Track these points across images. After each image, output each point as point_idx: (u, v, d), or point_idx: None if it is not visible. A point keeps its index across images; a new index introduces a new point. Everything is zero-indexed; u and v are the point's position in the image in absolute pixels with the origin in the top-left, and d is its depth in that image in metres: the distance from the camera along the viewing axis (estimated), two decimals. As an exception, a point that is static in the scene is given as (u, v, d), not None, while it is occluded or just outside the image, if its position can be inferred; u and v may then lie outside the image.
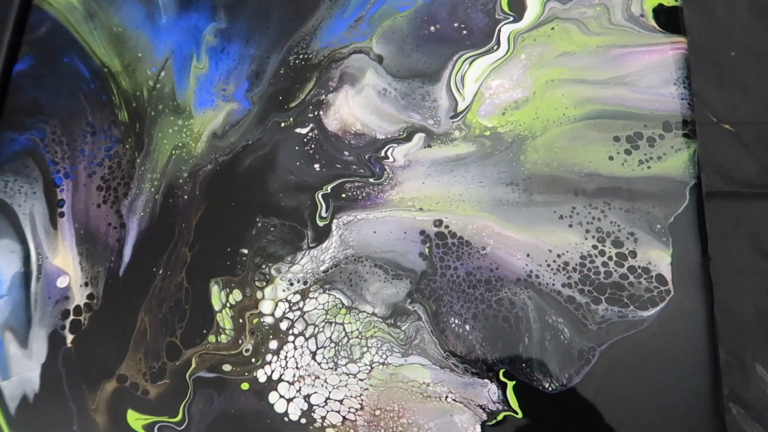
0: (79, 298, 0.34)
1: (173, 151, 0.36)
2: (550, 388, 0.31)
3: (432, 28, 0.37)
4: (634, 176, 0.34)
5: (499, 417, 0.30)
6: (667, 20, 0.36)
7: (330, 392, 0.31)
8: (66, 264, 0.34)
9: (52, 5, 0.39)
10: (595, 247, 0.33)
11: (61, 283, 0.34)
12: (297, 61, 0.37)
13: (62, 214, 0.35)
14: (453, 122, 0.35)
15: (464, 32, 0.37)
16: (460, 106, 0.36)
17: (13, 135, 0.37)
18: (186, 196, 0.35)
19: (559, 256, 0.33)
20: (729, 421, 0.29)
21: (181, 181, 0.35)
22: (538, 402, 0.30)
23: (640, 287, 0.32)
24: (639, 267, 0.32)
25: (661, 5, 0.37)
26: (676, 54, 0.36)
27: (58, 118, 0.37)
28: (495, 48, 0.37)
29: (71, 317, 0.33)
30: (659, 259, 0.32)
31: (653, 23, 0.36)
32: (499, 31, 0.37)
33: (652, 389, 0.30)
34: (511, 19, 0.37)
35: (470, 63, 0.36)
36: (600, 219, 0.33)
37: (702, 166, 0.33)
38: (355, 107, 0.36)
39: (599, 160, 0.34)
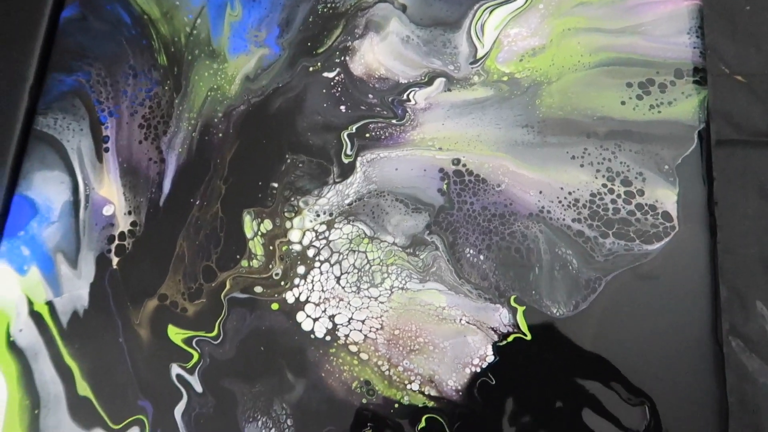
0: (123, 225, 0.36)
1: (209, 93, 0.38)
2: (557, 314, 0.32)
3: (454, -22, 0.39)
4: (645, 120, 0.35)
5: (510, 339, 0.32)
6: (682, -28, 0.37)
7: (353, 313, 0.33)
8: (111, 194, 0.37)
9: (96, -44, 0.41)
10: (604, 185, 0.34)
11: (107, 211, 0.36)
12: (325, 10, 0.39)
13: (107, 149, 0.37)
14: (472, 68, 0.37)
15: (485, -18, 0.38)
16: (480, 53, 0.37)
17: (60, 76, 0.39)
18: (220, 134, 0.37)
19: (570, 193, 0.34)
20: (728, 353, 0.31)
21: (216, 120, 0.37)
22: (546, 326, 0.32)
23: (646, 223, 0.33)
24: (646, 204, 0.33)
25: (677, -43, 0.37)
26: (690, 5, 0.36)
27: (103, 61, 0.39)
28: (514, -2, 0.38)
29: (116, 242, 0.36)
30: (665, 197, 0.33)
31: (669, -26, 0.37)
32: (519, -19, 0.38)
33: (654, 318, 0.32)
34: (531, -31, 0.38)
35: (490, 12, 0.38)
36: (610, 159, 0.34)
37: (713, 115, 0.34)
38: (380, 53, 0.38)
39: (611, 105, 0.35)
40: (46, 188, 0.37)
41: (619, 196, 0.34)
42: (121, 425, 0.33)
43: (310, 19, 0.39)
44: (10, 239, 0.36)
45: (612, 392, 0.31)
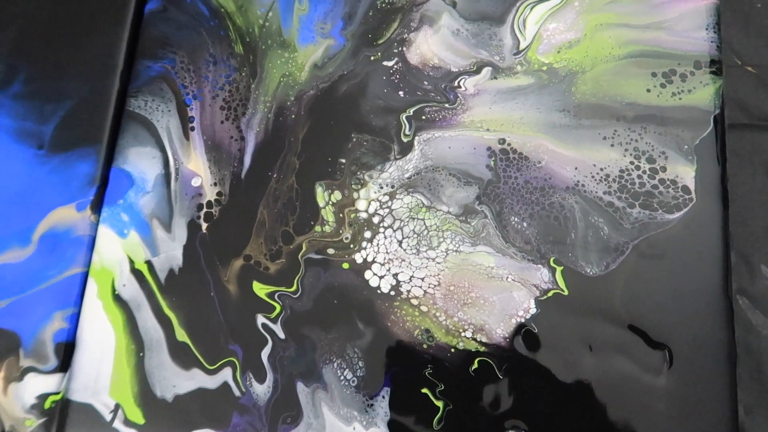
0: (210, 194, 0.41)
1: (281, 79, 0.42)
2: (591, 273, 0.37)
3: (499, -23, 0.43)
4: (667, 106, 0.39)
5: (549, 294, 0.37)
6: (703, -26, 0.41)
7: (413, 272, 0.38)
8: (198, 168, 0.41)
9: (175, -46, 0.45)
10: (631, 162, 0.39)
11: (195, 182, 0.41)
12: (383, 5, 0.43)
13: (192, 128, 0.42)
14: (515, 58, 0.41)
15: (526, -18, 0.42)
16: (522, 45, 0.41)
17: (148, 63, 0.43)
18: (293, 116, 0.42)
19: (601, 169, 0.39)
20: (736, 310, 0.36)
21: (288, 103, 0.42)
22: (581, 283, 0.37)
23: (667, 195, 0.38)
24: (668, 179, 0.38)
25: (697, -40, 0.42)
26: (708, 3, 0.41)
27: (185, 49, 0.43)
28: (552, -4, 0.42)
29: (204, 209, 0.40)
30: (685, 173, 0.38)
31: (690, -24, 0.41)
32: (557, -19, 0.42)
33: (673, 278, 0.37)
34: (567, -29, 0.42)
35: (531, 8, 0.42)
36: (637, 140, 0.39)
37: (726, 101, 0.39)
38: (433, 44, 0.42)
39: (638, 92, 0.40)
40: (140, 162, 0.41)
41: (644, 171, 0.38)
42: (215, 366, 0.38)
43: (370, 14, 0.43)
44: (110, 207, 0.41)
45: (637, 338, 0.36)
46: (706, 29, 0.40)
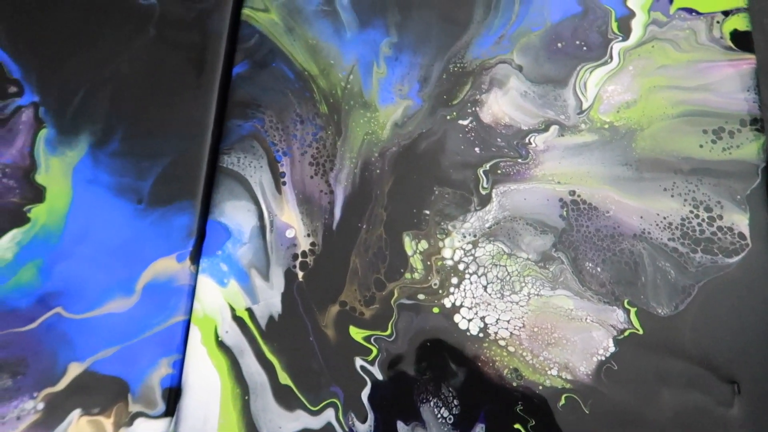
0: (304, 245, 0.43)
1: (365, 136, 0.45)
2: (662, 313, 0.40)
3: (559, 44, 0.47)
4: (719, 159, 0.43)
5: (626, 333, 0.40)
6: (741, 41, 0.46)
7: (499, 315, 0.41)
8: (291, 220, 0.44)
9: (258, 21, 0.49)
10: (691, 211, 0.42)
11: (289, 234, 0.43)
12: (455, 69, 0.47)
13: (284, 183, 0.44)
14: (579, 117, 0.45)
15: (584, 48, 0.46)
16: (584, 106, 0.45)
17: (239, 122, 0.46)
18: (378, 170, 0.45)
19: (664, 218, 0.42)
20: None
21: (373, 159, 0.45)
22: (654, 323, 0.40)
23: (725, 241, 0.41)
24: (725, 226, 0.42)
25: (735, 30, 0.46)
26: (748, 68, 0.45)
27: (273, 109, 0.46)
28: (608, 61, 0.46)
29: (300, 259, 0.43)
30: (739, 221, 0.42)
31: (730, 44, 0.46)
32: (611, 47, 0.46)
33: (737, 315, 0.40)
34: (620, 38, 0.46)
35: (590, 72, 0.46)
36: (694, 191, 0.43)
37: None
38: (503, 105, 0.46)
39: (692, 148, 0.44)
40: (236, 215, 0.44)
41: (703, 220, 0.42)
42: (318, 407, 0.40)
43: (444, 77, 0.46)
44: (209, 257, 0.43)
45: (708, 373, 0.39)
46: (748, 91, 0.44)
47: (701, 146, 0.44)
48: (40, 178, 0.45)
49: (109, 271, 0.43)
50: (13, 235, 0.44)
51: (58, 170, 0.45)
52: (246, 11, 0.49)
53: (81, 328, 0.42)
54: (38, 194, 0.45)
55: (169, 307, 0.42)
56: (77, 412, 0.40)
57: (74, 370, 0.41)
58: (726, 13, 0.47)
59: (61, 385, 0.41)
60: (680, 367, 0.39)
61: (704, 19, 0.46)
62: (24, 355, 0.41)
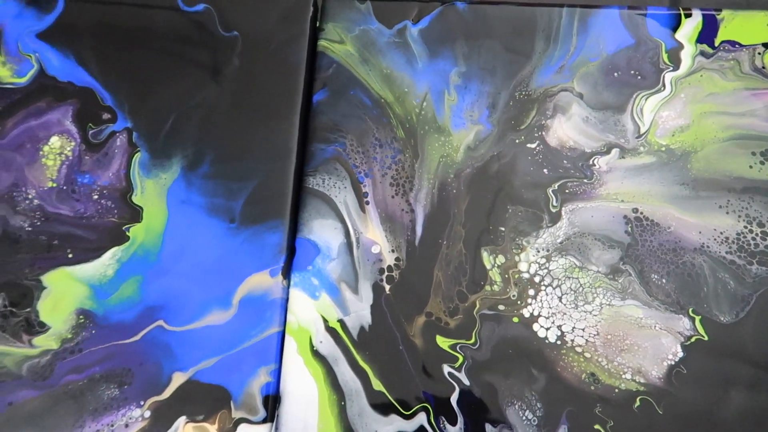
0: (389, 260, 0.46)
1: (440, 159, 0.49)
2: (725, 320, 0.44)
3: (615, 74, 0.50)
4: (768, 179, 0.47)
5: (692, 339, 0.43)
6: (781, 71, 0.50)
7: (574, 323, 0.44)
8: (376, 237, 0.47)
9: (335, 52, 0.52)
10: (745, 227, 0.46)
11: (375, 249, 0.46)
12: (521, 96, 0.50)
13: (367, 203, 0.47)
14: (638, 141, 0.49)
15: (638, 77, 0.50)
16: (642, 130, 0.49)
17: (322, 146, 0.49)
18: (454, 190, 0.48)
19: (721, 233, 0.46)
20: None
21: (449, 179, 0.48)
22: (718, 329, 0.43)
23: (778, 254, 0.45)
24: (777, 240, 0.45)
25: (775, 60, 0.50)
26: (788, 95, 0.49)
27: (353, 134, 0.49)
28: (661, 89, 0.50)
29: (386, 273, 0.46)
30: (790, 235, 0.45)
31: (771, 73, 0.50)
32: (663, 76, 0.50)
33: (788, 323, 0.43)
34: (671, 68, 0.50)
35: (645, 99, 0.50)
36: (747, 208, 0.46)
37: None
38: (567, 130, 0.49)
39: (743, 168, 0.47)
40: (323, 233, 0.47)
41: (757, 234, 0.45)
42: (411, 411, 0.42)
43: (510, 103, 0.50)
44: (300, 272, 0.46)
45: (766, 372, 0.42)
46: (791, 116, 0.48)
47: (750, 167, 0.47)
48: (136, 198, 0.48)
49: (206, 286, 0.45)
50: (114, 252, 0.46)
51: (153, 191, 0.48)
52: (323, 43, 0.52)
53: (182, 340, 0.44)
54: (136, 214, 0.47)
55: (265, 319, 0.45)
56: (182, 419, 0.42)
57: (178, 379, 0.43)
58: (766, 45, 0.51)
59: (166, 393, 0.43)
60: (744, 370, 0.42)
61: (747, 50, 0.50)
62: (129, 366, 0.44)
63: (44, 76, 0.51)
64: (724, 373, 0.42)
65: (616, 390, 0.42)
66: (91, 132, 0.50)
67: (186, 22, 0.53)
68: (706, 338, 0.43)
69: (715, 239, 0.45)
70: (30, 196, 0.48)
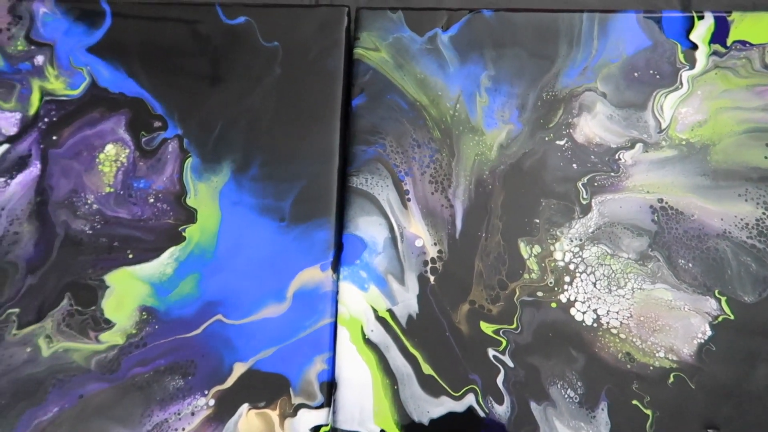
0: (432, 252, 0.49)
1: (475, 157, 0.52)
2: (749, 300, 0.47)
3: (635, 74, 0.54)
4: (782, 168, 0.50)
5: (720, 319, 0.46)
6: (789, 68, 0.53)
7: (609, 307, 0.47)
8: (418, 231, 0.49)
9: (371, 59, 0.55)
10: (764, 213, 0.49)
11: (418, 243, 0.49)
12: (548, 96, 0.53)
13: (409, 199, 0.50)
14: (660, 136, 0.52)
15: (657, 77, 0.54)
16: (663, 125, 0.52)
17: (363, 148, 0.52)
18: (490, 186, 0.51)
19: (741, 219, 0.49)
20: None
21: (484, 176, 0.51)
22: (743, 309, 0.46)
23: (795, 237, 0.48)
24: (793, 225, 0.49)
25: (784, 58, 0.54)
26: (798, 90, 0.53)
27: (392, 136, 0.52)
28: (679, 87, 0.53)
29: (429, 265, 0.49)
30: (805, 220, 0.49)
31: (781, 70, 0.53)
32: (681, 75, 0.53)
33: (807, 301, 0.47)
34: (687, 67, 0.54)
35: (665, 97, 0.53)
36: (764, 196, 0.49)
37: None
38: (593, 127, 0.52)
39: (758, 159, 0.51)
40: (369, 229, 0.50)
41: (774, 220, 0.49)
42: (460, 393, 0.45)
43: (538, 103, 0.53)
44: (349, 266, 0.48)
45: (793, 350, 0.45)
46: (801, 110, 0.52)
47: (765, 158, 0.50)
48: (190, 201, 0.50)
49: (261, 281, 0.48)
50: (172, 251, 0.49)
51: (205, 194, 0.51)
52: (359, 51, 0.55)
53: (241, 332, 0.47)
54: (190, 216, 0.50)
55: (318, 311, 0.47)
56: (245, 406, 0.45)
57: (239, 369, 0.46)
58: (775, 44, 0.54)
59: (229, 382, 0.46)
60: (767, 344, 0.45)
61: (757, 49, 0.54)
62: (192, 358, 0.46)
63: (96, 88, 0.54)
64: (751, 349, 0.45)
65: (651, 368, 0.45)
66: (143, 139, 0.52)
67: (228, 34, 0.56)
68: (732, 317, 0.46)
69: (736, 225, 0.49)
70: (89, 201, 0.51)
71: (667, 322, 0.46)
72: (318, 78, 0.54)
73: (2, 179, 0.51)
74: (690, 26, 0.55)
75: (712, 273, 0.47)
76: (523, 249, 0.49)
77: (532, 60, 0.54)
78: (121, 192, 0.51)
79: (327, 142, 0.52)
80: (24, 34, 0.56)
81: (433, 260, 0.48)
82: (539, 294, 0.47)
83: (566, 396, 0.45)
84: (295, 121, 0.53)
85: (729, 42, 0.54)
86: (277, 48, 0.55)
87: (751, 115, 0.52)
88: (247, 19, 0.56)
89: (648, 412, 0.44)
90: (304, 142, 0.52)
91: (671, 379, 0.45)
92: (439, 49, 0.55)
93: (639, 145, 0.51)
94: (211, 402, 0.45)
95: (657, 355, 0.45)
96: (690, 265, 0.48)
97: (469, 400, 0.45)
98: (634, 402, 0.44)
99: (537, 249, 0.49)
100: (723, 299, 0.47)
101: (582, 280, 0.48)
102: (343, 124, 0.53)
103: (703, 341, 0.46)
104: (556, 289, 0.47)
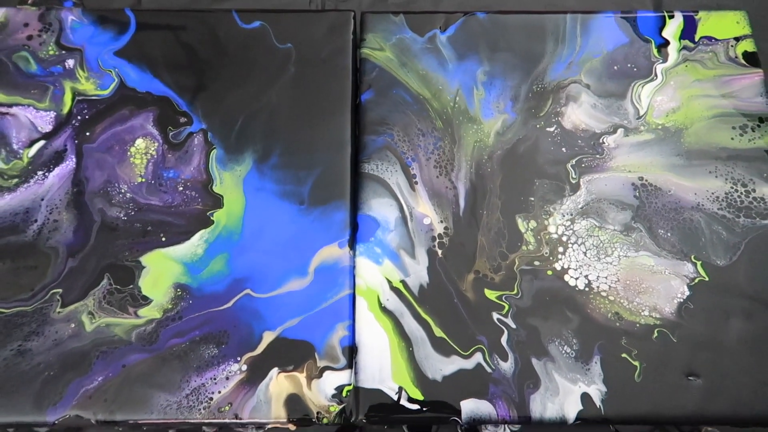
0: (439, 229, 0.54)
1: (475, 144, 0.57)
2: (721, 264, 0.53)
3: (615, 67, 0.60)
4: (747, 148, 0.56)
5: (696, 281, 0.52)
6: (750, 59, 0.60)
7: (599, 273, 0.53)
8: (426, 210, 0.55)
9: (376, 58, 0.60)
10: (732, 187, 0.55)
11: (426, 221, 0.54)
12: (537, 89, 0.59)
13: (416, 183, 0.56)
14: (638, 122, 0.58)
15: (635, 69, 0.60)
16: (641, 113, 0.58)
17: (373, 137, 0.57)
18: (489, 169, 0.56)
19: (713, 193, 0.55)
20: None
21: (483, 160, 0.57)
22: (716, 271, 0.52)
23: (760, 207, 0.54)
24: (758, 197, 0.55)
25: (746, 51, 0.60)
26: (758, 79, 0.59)
27: (399, 126, 0.58)
28: (654, 78, 0.59)
29: (437, 240, 0.54)
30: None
31: (743, 61, 0.60)
32: (655, 68, 0.60)
33: (772, 264, 0.53)
34: (661, 60, 0.60)
35: (642, 87, 0.59)
36: (732, 172, 0.56)
37: (774, 144, 0.56)
38: (579, 115, 0.58)
39: (726, 140, 0.57)
40: (381, 209, 0.55)
41: (741, 193, 0.55)
42: (468, 352, 0.50)
43: (529, 95, 0.59)
44: (364, 243, 0.54)
45: (758, 303, 0.51)
46: (762, 96, 0.58)
47: (732, 138, 0.57)
48: (216, 188, 0.55)
49: (285, 259, 0.53)
50: (201, 234, 0.54)
51: (230, 182, 0.56)
52: (365, 50, 0.61)
53: (268, 305, 0.51)
54: (217, 201, 0.55)
55: (338, 284, 0.52)
56: (275, 370, 0.50)
57: (268, 337, 0.51)
58: (737, 39, 0.61)
59: (259, 349, 0.50)
60: (740, 302, 0.51)
61: (722, 44, 0.60)
62: (225, 328, 0.51)
63: (125, 88, 0.59)
64: (724, 306, 0.51)
65: (637, 325, 0.51)
66: (171, 134, 0.57)
67: (245, 37, 0.61)
68: (707, 279, 0.52)
69: (708, 198, 0.55)
70: (123, 191, 0.55)
71: (650, 284, 0.52)
72: (329, 76, 0.60)
73: (41, 172, 0.56)
74: (662, 24, 0.61)
75: (689, 241, 0.53)
76: (521, 224, 0.54)
77: (523, 57, 0.60)
78: (152, 182, 0.56)
79: (340, 133, 0.57)
80: (54, 39, 0.60)
81: (440, 236, 0.54)
82: (536, 263, 0.53)
83: (563, 352, 0.50)
84: (309, 114, 0.58)
85: (697, 38, 0.61)
86: (290, 49, 0.60)
87: (719, 101, 0.58)
88: (262, 23, 0.61)
89: (636, 363, 0.50)
90: (319, 133, 0.57)
91: (655, 334, 0.50)
92: (438, 48, 0.61)
93: (620, 130, 0.57)
94: (244, 367, 0.50)
95: (642, 313, 0.51)
96: (669, 234, 0.54)
97: (477, 358, 0.50)
98: (624, 355, 0.50)
99: (533, 224, 0.54)
100: (698, 263, 0.52)
101: (574, 250, 0.53)
102: (354, 117, 0.58)
103: (682, 300, 0.51)
104: (551, 258, 0.53)
